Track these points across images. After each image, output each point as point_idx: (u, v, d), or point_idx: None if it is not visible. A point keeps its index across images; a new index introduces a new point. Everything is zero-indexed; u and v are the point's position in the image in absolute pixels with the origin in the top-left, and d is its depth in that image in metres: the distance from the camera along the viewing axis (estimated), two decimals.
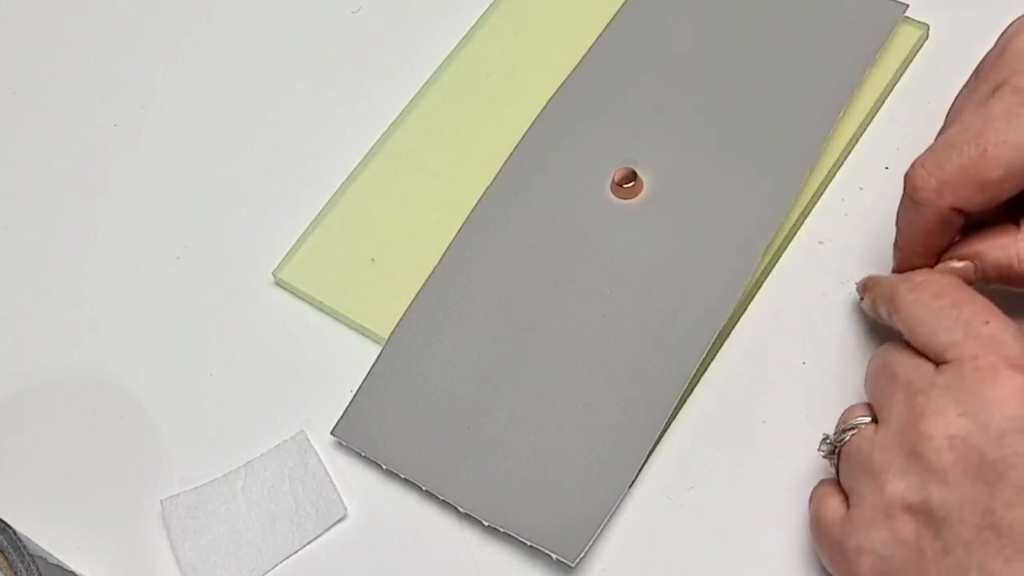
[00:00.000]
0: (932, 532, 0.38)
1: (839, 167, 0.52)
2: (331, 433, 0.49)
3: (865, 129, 0.53)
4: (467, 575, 0.47)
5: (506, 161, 0.54)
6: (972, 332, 0.39)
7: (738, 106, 0.53)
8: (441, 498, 0.47)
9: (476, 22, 0.58)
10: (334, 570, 0.47)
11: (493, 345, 0.50)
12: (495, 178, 0.53)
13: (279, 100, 0.59)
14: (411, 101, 0.57)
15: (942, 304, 0.40)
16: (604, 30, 0.56)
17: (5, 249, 0.57)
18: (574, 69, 0.56)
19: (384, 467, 0.48)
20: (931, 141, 0.44)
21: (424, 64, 0.58)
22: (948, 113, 0.46)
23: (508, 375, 0.49)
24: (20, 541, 0.42)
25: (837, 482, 0.42)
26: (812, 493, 0.43)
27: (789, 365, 0.49)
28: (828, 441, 0.43)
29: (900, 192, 0.44)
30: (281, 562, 0.48)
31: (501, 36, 0.58)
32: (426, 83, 0.57)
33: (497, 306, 0.51)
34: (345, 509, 0.48)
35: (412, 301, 0.51)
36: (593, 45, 0.56)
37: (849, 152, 0.53)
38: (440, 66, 0.58)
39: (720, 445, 0.48)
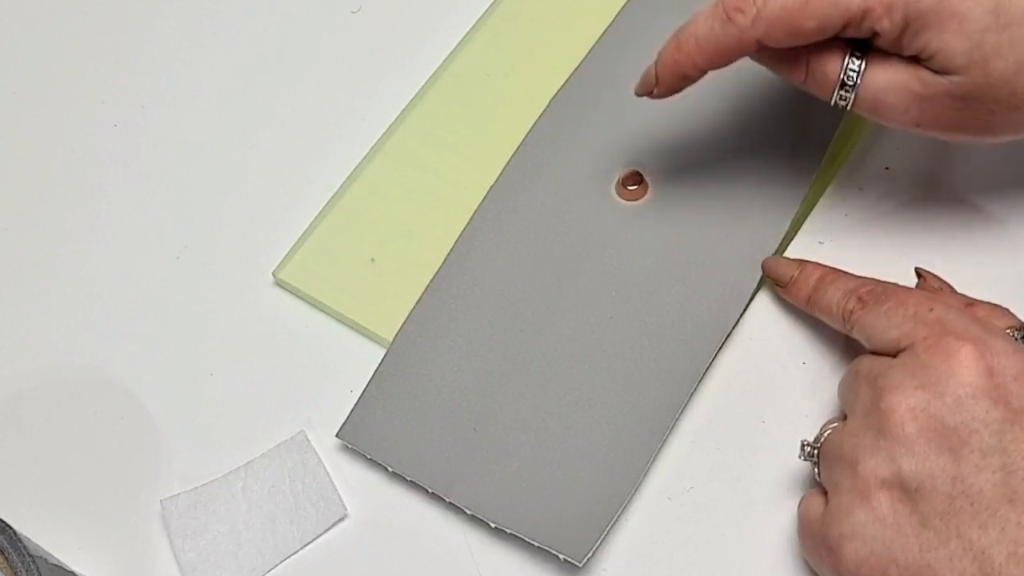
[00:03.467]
0: (909, 507, 0.39)
1: (839, 168, 0.52)
2: (336, 436, 0.49)
3: (863, 131, 0.53)
4: (467, 575, 0.47)
5: (509, 161, 0.54)
6: (920, 320, 0.41)
7: (743, 107, 0.53)
8: (448, 500, 0.47)
9: (476, 22, 0.58)
10: (334, 570, 0.47)
11: (498, 347, 0.50)
12: (499, 178, 0.53)
13: (279, 100, 0.59)
14: (411, 101, 0.57)
15: (888, 307, 0.43)
16: (608, 29, 0.56)
17: (5, 249, 0.57)
18: (577, 68, 0.56)
19: (390, 469, 0.48)
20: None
21: (424, 64, 0.58)
22: None
23: (514, 376, 0.49)
24: (20, 541, 0.42)
25: (820, 486, 0.43)
26: (798, 504, 0.44)
27: (789, 365, 0.49)
28: (807, 445, 0.44)
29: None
30: (281, 562, 0.48)
31: (501, 36, 0.58)
32: (426, 83, 0.57)
33: (502, 307, 0.50)
34: (345, 509, 0.48)
35: (416, 303, 0.51)
36: (597, 44, 0.56)
37: (849, 152, 0.53)
38: (440, 66, 0.58)
39: (720, 445, 0.48)
